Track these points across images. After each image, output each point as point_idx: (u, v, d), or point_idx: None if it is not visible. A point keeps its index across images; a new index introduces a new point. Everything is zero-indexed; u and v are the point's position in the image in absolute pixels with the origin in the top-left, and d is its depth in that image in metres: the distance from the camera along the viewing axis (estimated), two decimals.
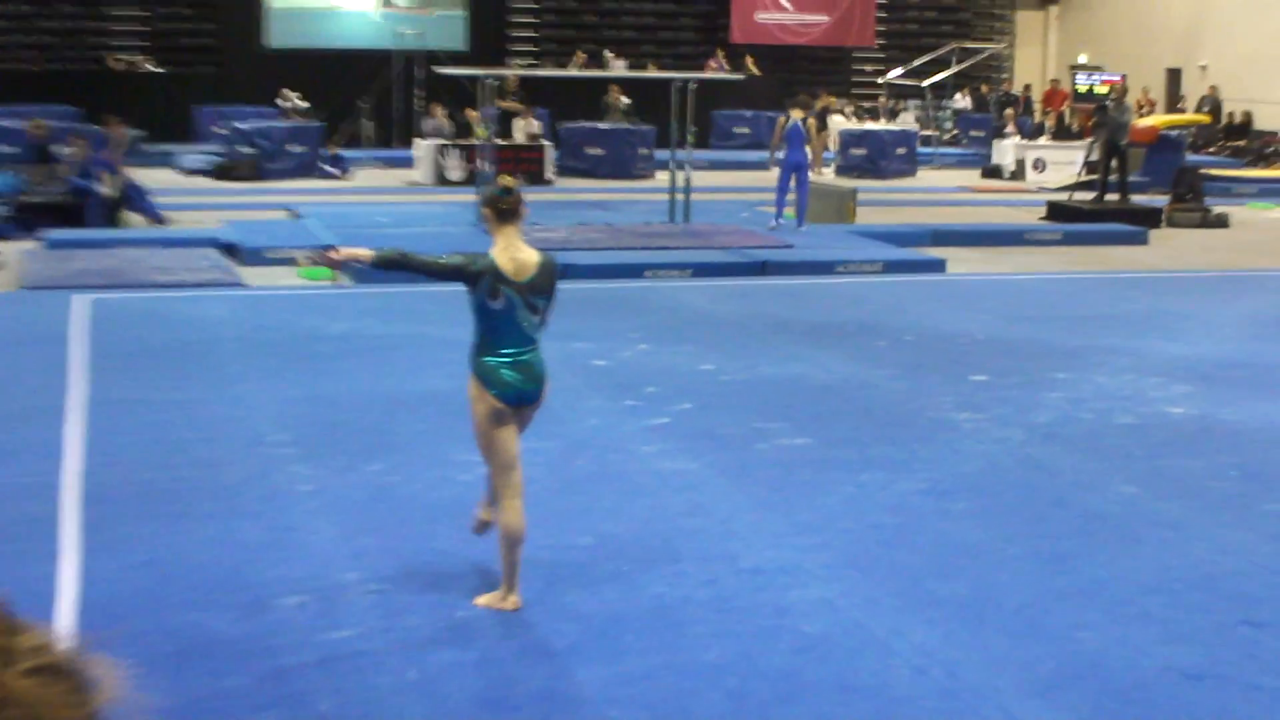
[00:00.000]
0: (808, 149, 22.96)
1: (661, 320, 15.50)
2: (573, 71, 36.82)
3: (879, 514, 9.14)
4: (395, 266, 7.34)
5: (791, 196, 22.73)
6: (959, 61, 40.51)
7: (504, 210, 7.35)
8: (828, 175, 31.50)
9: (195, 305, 15.68)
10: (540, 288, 7.36)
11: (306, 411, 11.39)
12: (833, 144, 34.10)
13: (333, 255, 7.40)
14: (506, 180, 7.47)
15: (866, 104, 40.48)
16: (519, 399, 7.31)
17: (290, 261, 18.64)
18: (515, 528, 7.29)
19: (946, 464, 10.29)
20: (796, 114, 23.23)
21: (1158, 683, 6.75)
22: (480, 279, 7.23)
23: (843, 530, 8.81)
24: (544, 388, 7.45)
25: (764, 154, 35.32)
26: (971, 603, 7.67)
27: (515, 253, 7.32)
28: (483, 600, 7.42)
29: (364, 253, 7.32)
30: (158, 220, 22.11)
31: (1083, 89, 39.64)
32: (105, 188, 21.66)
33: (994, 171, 34.04)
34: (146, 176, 24.78)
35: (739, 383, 12.68)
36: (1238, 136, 39.75)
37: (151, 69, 37.20)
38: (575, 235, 20.91)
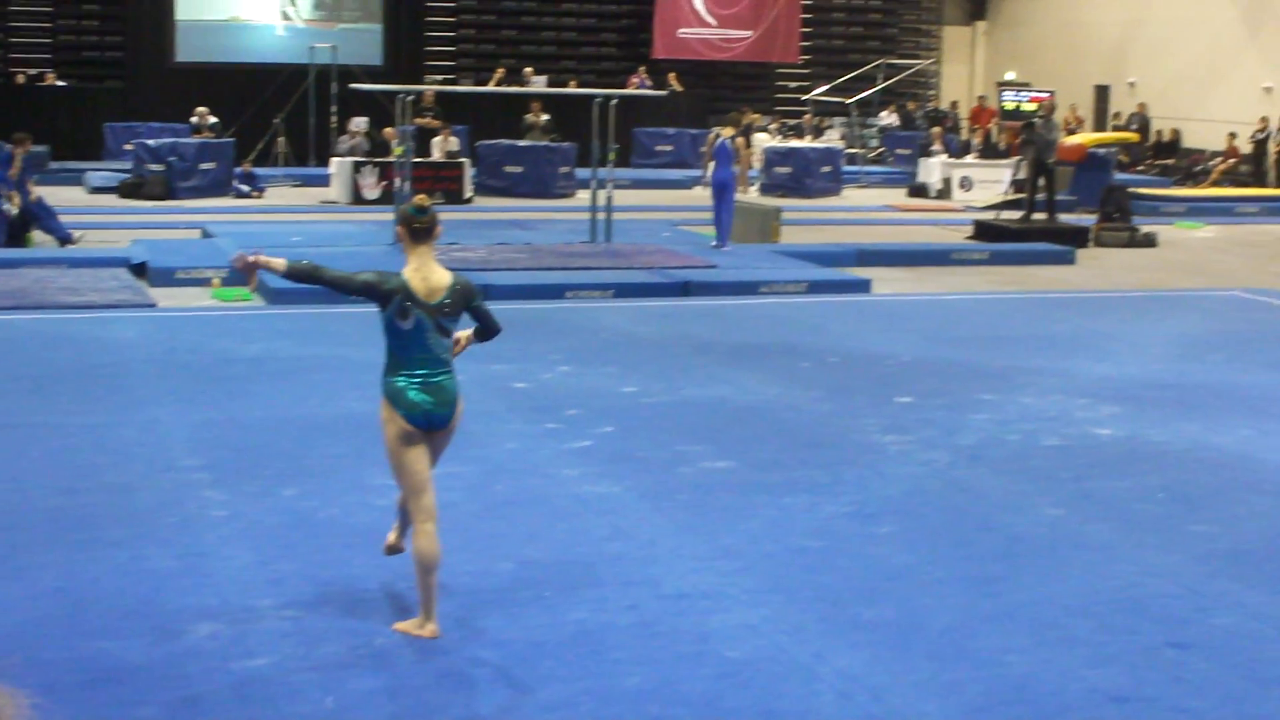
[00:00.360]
0: (735, 167, 23.08)
1: (583, 342, 15.54)
2: (492, 87, 36.86)
3: (803, 537, 9.21)
4: (307, 279, 7.36)
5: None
6: (885, 78, 40.80)
7: (417, 229, 7.40)
8: (752, 194, 31.64)
9: (104, 327, 15.60)
10: (451, 310, 7.41)
11: (220, 435, 11.37)
12: (756, 162, 34.24)
13: (247, 259, 7.38)
14: (422, 199, 7.48)
15: (791, 121, 40.68)
16: (428, 422, 7.32)
17: (203, 282, 18.59)
18: (428, 553, 7.30)
19: (872, 487, 10.38)
20: (726, 131, 23.41)
21: (1084, 706, 6.84)
22: (390, 298, 7.26)
23: (766, 554, 8.87)
24: (455, 412, 7.45)
25: (688, 172, 35.58)
26: (897, 627, 7.75)
27: (428, 273, 7.38)
28: (400, 627, 7.44)
29: (277, 262, 7.31)
30: (65, 240, 21.97)
31: (1010, 106, 40.04)
32: (9, 206, 21.49)
33: (920, 190, 34.28)
34: (52, 195, 24.60)
35: (661, 405, 12.74)
36: (1166, 155, 40.21)
37: (57, 83, 36.93)
38: (494, 255, 20.92)
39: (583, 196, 27.13)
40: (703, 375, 13.96)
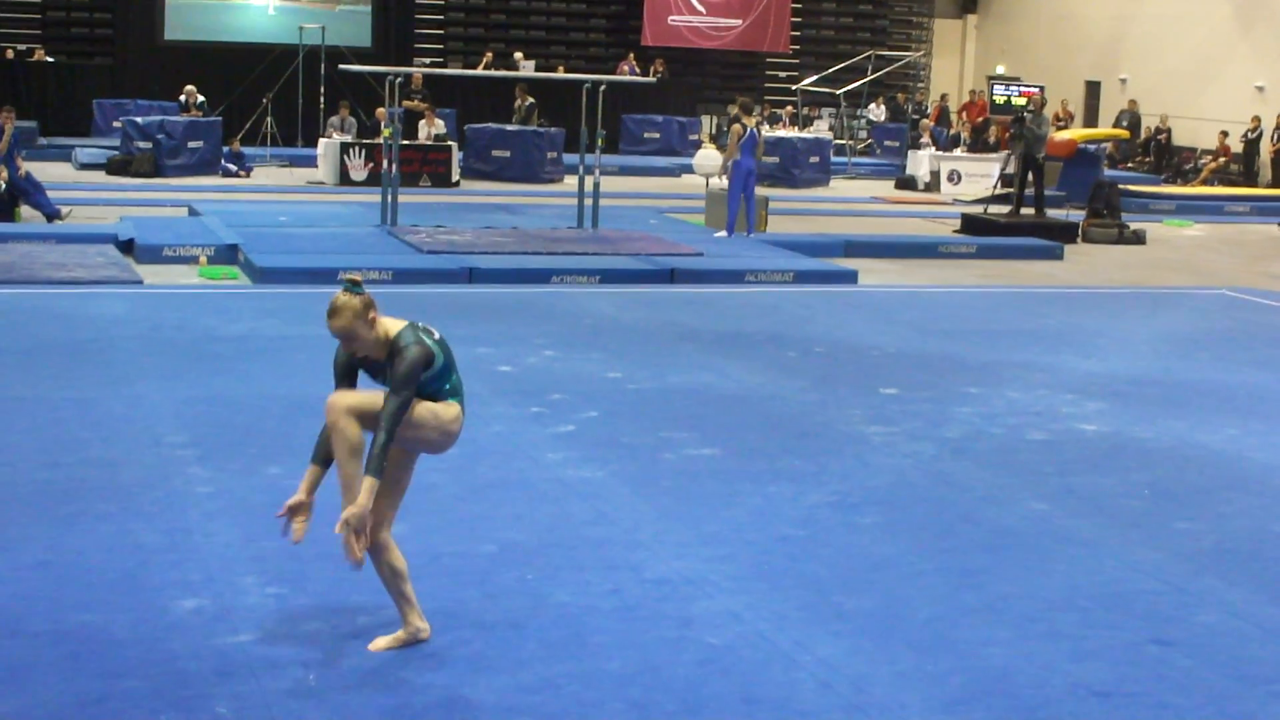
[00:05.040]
0: (754, 157, 23.21)
1: (568, 327, 15.56)
2: (480, 71, 36.84)
3: (787, 526, 9.24)
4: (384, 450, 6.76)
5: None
6: (875, 70, 40.85)
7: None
8: None
9: (91, 303, 15.60)
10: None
11: (205, 412, 11.38)
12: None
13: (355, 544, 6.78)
14: (353, 276, 6.85)
15: (780, 110, 40.71)
16: None
17: (190, 259, 18.60)
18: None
19: (856, 477, 10.41)
20: (750, 121, 23.54)
21: (1065, 700, 6.87)
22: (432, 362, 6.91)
23: (749, 542, 8.90)
24: None
25: (675, 160, 35.63)
26: (879, 617, 7.77)
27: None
28: (384, 644, 7.11)
29: (364, 500, 6.77)
30: (53, 215, 21.95)
31: (1000, 100, 40.12)
32: None
33: (908, 183, 34.32)
34: (41, 170, 24.58)
35: (646, 391, 12.77)
36: (1156, 152, 40.28)
37: (46, 59, 36.86)
38: (481, 239, 20.92)
39: (570, 182, 27.14)
40: (688, 362, 13.99)
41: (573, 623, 7.51)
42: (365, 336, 6.75)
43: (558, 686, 6.75)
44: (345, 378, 7.02)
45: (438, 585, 7.80)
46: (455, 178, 30.36)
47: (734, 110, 33.11)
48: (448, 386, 7.08)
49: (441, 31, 41.80)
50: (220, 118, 31.94)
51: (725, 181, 23.83)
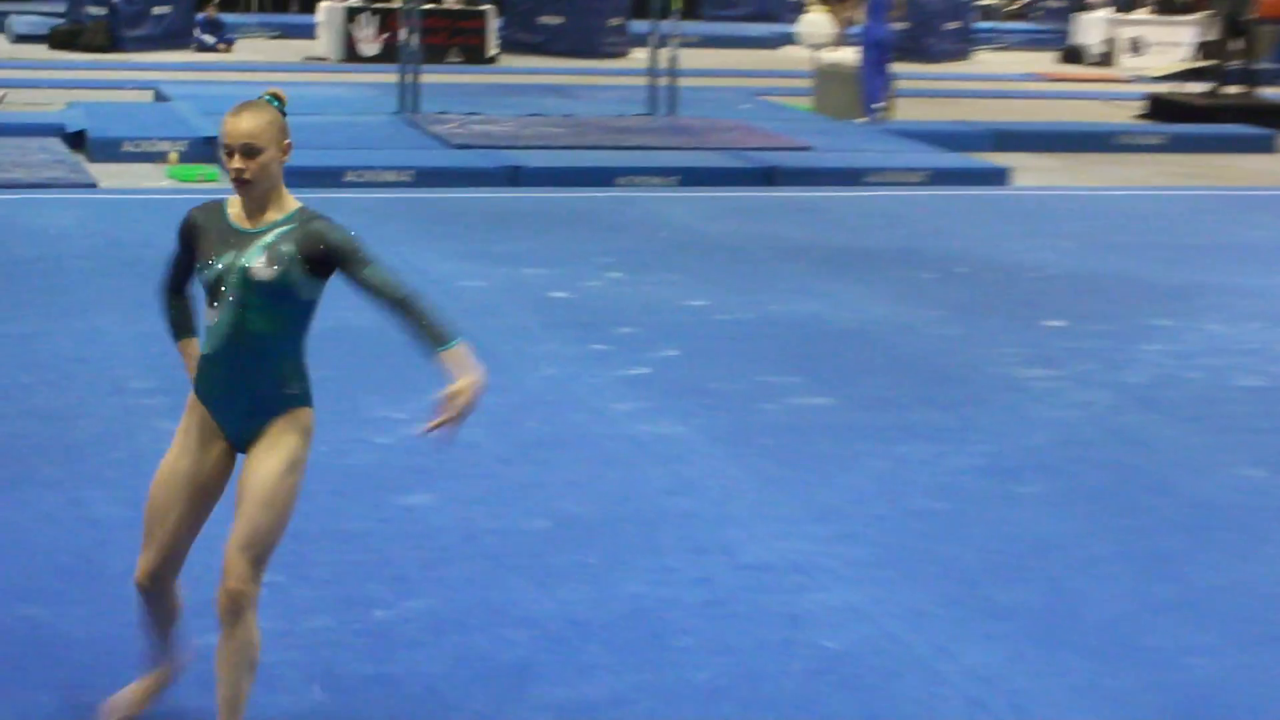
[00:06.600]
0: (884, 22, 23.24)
1: (638, 241, 15.55)
2: None
3: (922, 497, 9.19)
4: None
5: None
6: None
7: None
8: (853, 55, 31.49)
9: (33, 211, 15.66)
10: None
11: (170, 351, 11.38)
12: (860, 14, 34.08)
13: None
14: (276, 91, 6.12)
15: None
16: None
17: (157, 156, 18.63)
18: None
19: (1011, 434, 10.35)
20: None
21: None
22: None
23: (875, 517, 8.86)
24: None
25: (774, 27, 35.46)
26: (1044, 615, 7.72)
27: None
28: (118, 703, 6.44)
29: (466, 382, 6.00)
30: None
31: None
32: None
33: (1075, 54, 34.11)
34: None
35: (739, 324, 12.74)
36: None
37: None
38: (526, 130, 20.91)
39: (639, 56, 27.06)
40: (792, 287, 13.95)
41: (649, 621, 7.48)
42: (272, 170, 6.01)
43: (629, 702, 6.73)
44: (184, 270, 6.40)
45: (475, 571, 7.79)
46: (492, 51, 30.35)
47: None
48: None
49: None
50: None
51: (839, 55, 23.77)
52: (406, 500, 8.73)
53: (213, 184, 17.54)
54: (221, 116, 5.98)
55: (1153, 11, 35.20)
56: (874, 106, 23.10)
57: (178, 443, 6.23)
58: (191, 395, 6.24)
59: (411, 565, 7.87)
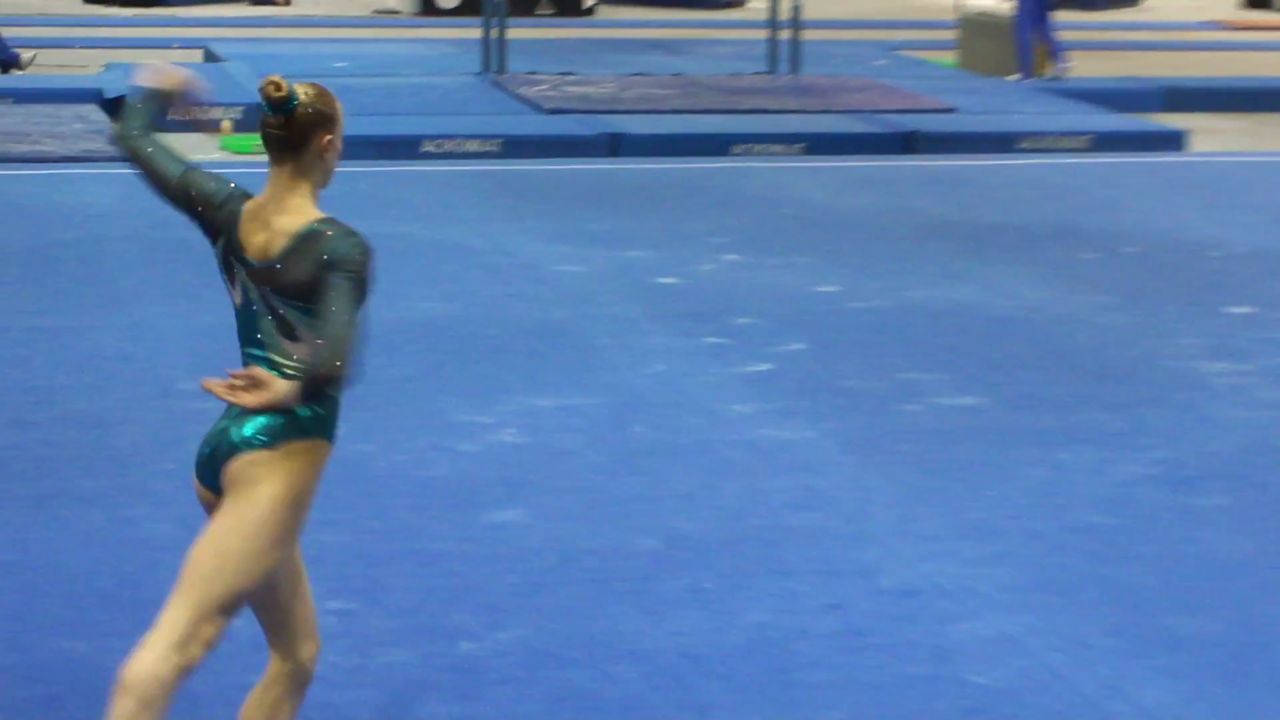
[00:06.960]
0: None
1: (758, 219, 15.55)
2: None
3: (1088, 511, 9.17)
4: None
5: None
6: None
7: (270, 136, 5.97)
8: (1006, 3, 31.45)
9: (69, 188, 15.77)
10: (285, 281, 5.87)
11: (231, 347, 11.40)
12: None
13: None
14: (276, 81, 5.93)
15: None
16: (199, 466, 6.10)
17: (209, 125, 18.73)
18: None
19: (1191, 439, 10.31)
20: None
21: None
22: (218, 230, 6.05)
23: (1033, 534, 8.84)
24: (234, 460, 5.99)
25: None
26: (1231, 648, 7.68)
27: (272, 213, 6.00)
28: None
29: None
30: (10, 64, 22.18)
31: None
32: None
33: None
34: None
35: (875, 313, 12.74)
36: None
37: None
38: (627, 91, 20.93)
39: (757, 6, 27.04)
40: (937, 270, 13.93)
41: (774, 653, 7.49)
42: (328, 156, 6.06)
43: None
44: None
45: (574, 595, 7.81)
46: (589, 2, 30.37)
47: None
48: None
49: None
50: None
51: (989, 1, 23.76)
52: (495, 517, 8.75)
53: None
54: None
55: None
56: (1060, 65, 23.07)
57: None
58: None
59: (502, 591, 7.89)
